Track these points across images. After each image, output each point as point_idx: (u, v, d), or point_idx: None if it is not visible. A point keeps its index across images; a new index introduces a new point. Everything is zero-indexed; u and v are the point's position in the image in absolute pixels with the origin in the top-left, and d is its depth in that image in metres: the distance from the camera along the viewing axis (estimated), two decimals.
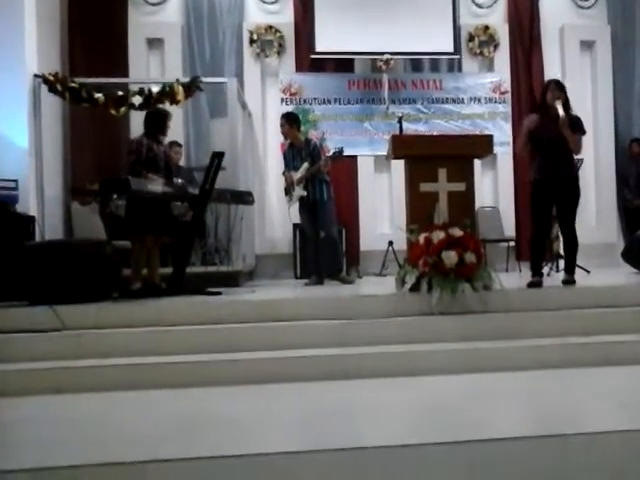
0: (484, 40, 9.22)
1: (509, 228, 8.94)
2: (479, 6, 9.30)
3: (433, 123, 9.06)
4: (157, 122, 5.93)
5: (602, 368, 4.11)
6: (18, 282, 5.10)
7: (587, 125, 9.06)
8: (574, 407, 3.42)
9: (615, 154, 9.30)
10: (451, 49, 9.02)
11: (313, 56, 8.86)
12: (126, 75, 8.15)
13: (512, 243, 8.77)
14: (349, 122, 8.97)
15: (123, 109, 7.02)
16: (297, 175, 6.77)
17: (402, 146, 5.63)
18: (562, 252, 5.90)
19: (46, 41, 7.35)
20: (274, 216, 8.87)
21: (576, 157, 7.53)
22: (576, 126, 5.43)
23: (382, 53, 8.81)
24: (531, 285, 5.26)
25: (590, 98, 9.42)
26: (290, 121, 6.90)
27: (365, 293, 5.63)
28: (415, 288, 4.86)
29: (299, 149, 6.88)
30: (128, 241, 5.90)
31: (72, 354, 4.27)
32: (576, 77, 9.28)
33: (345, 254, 8.12)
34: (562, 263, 5.80)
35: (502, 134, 8.95)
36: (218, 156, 5.86)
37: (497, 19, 9.37)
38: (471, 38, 9.21)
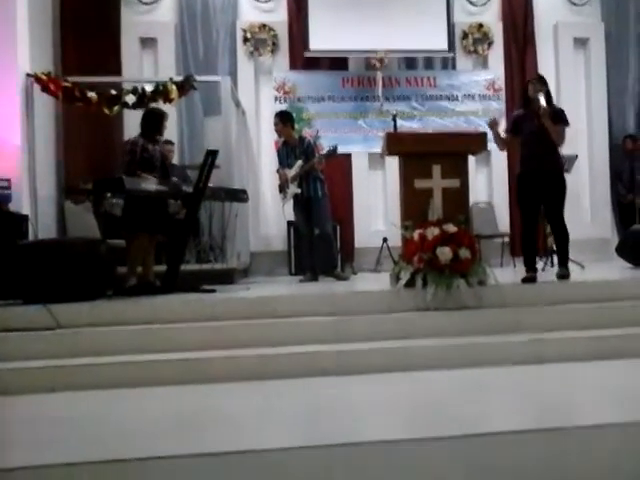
0: (478, 38, 9.23)
1: (503, 224, 8.96)
2: (473, 4, 9.32)
3: (427, 120, 9.07)
4: (153, 122, 5.93)
5: (597, 362, 4.11)
6: (12, 281, 5.08)
7: (581, 121, 9.26)
8: (569, 401, 3.43)
9: (609, 150, 9.33)
10: (445, 47, 9.02)
11: (307, 54, 8.85)
12: (119, 74, 8.14)
13: (506, 238, 8.79)
14: (343, 120, 8.97)
15: (116, 108, 6.99)
16: (291, 173, 6.77)
17: (396, 143, 5.62)
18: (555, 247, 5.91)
19: (39, 40, 7.31)
20: (268, 213, 8.87)
21: (571, 153, 7.67)
22: (558, 117, 5.43)
23: (376, 51, 8.81)
24: (525, 280, 5.27)
25: (584, 95, 9.46)
26: (284, 119, 6.90)
27: (360, 289, 5.63)
28: (410, 284, 4.86)
29: (293, 147, 6.88)
30: (123, 240, 5.89)
31: (67, 352, 4.25)
32: (570, 74, 9.32)
33: (340, 251, 8.12)
34: (556, 258, 5.81)
35: None
36: (212, 154, 5.85)
37: (491, 17, 9.38)
38: (465, 36, 9.22)
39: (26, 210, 6.60)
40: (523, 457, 2.65)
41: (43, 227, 6.80)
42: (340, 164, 8.58)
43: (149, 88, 6.99)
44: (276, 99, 8.87)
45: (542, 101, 5.37)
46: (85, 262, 5.17)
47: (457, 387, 3.72)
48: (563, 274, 5.37)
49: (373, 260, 8.35)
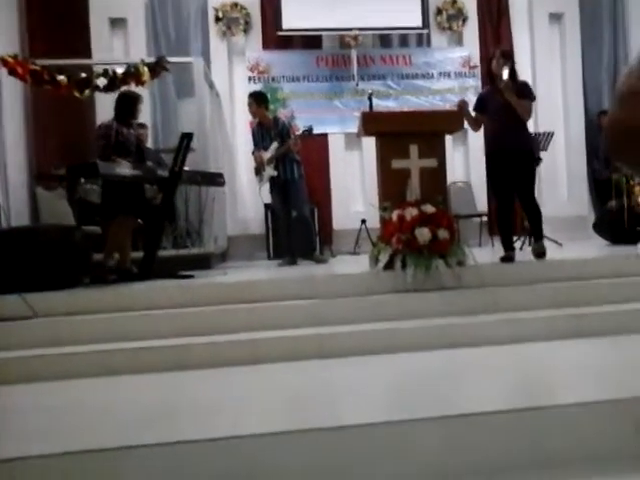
0: (452, 14, 9.18)
1: (481, 203, 8.97)
2: None
3: (403, 99, 9.03)
4: (127, 106, 5.84)
5: (576, 340, 4.13)
6: None
7: (556, 98, 9.25)
8: (551, 380, 3.44)
9: (585, 126, 9.35)
10: (419, 23, 8.95)
11: (280, 33, 8.74)
12: (89, 56, 7.99)
13: (484, 218, 8.80)
14: (318, 100, 8.90)
15: (87, 91, 6.85)
16: (267, 155, 6.70)
17: (372, 123, 5.58)
18: None
19: (4, 22, 7.15)
20: (245, 196, 8.80)
21: (547, 130, 7.67)
22: (522, 92, 5.31)
23: (350, 29, 8.72)
24: (503, 260, 5.27)
25: (560, 71, 9.46)
26: (258, 100, 6.82)
27: (339, 272, 5.61)
28: (389, 266, 4.85)
29: (268, 128, 6.81)
30: (98, 226, 5.81)
31: (45, 341, 4.19)
32: (545, 50, 9.32)
33: (318, 233, 8.10)
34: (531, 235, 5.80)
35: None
36: (187, 137, 5.78)
37: None
38: (439, 12, 9.17)
39: None
40: (507, 437, 2.66)
41: (15, 215, 6.69)
42: (316, 145, 8.54)
43: (120, 70, 6.86)
44: (250, 79, 8.77)
45: (505, 75, 5.23)
46: (60, 249, 5.10)
47: (438, 368, 3.72)
48: (539, 250, 5.36)
49: (352, 242, 8.32)
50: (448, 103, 8.92)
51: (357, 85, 8.83)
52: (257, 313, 4.48)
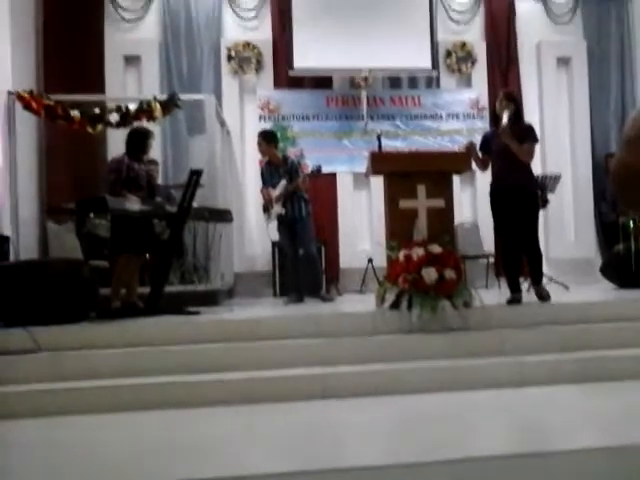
0: (462, 56, 9.28)
1: (488, 244, 8.93)
2: (456, 22, 9.37)
3: (412, 139, 9.09)
4: (138, 141, 5.91)
5: (582, 384, 4.11)
6: None
7: (564, 140, 9.30)
8: (554, 424, 3.41)
9: (592, 169, 9.37)
10: (429, 65, 9.04)
11: (291, 73, 8.85)
12: (103, 92, 8.10)
13: (491, 259, 8.77)
14: (328, 139, 8.96)
15: (100, 127, 6.93)
16: (275, 192, 6.74)
17: (381, 163, 5.64)
18: None
19: (21, 58, 7.27)
20: (253, 234, 8.82)
21: (554, 173, 7.70)
22: (525, 135, 5.34)
23: (360, 69, 8.83)
24: (510, 302, 5.26)
25: (567, 114, 9.52)
26: (267, 139, 6.88)
27: (345, 311, 5.62)
28: (395, 305, 4.85)
29: (277, 166, 6.86)
30: (105, 261, 5.83)
31: (49, 376, 4.20)
32: (553, 93, 9.39)
33: (325, 271, 8.08)
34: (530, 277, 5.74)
35: None
36: (196, 174, 5.83)
37: (474, 35, 9.44)
38: (449, 54, 9.27)
39: (7, 231, 6.52)
40: None
41: (25, 248, 6.72)
42: (325, 184, 8.58)
43: (133, 107, 6.94)
44: (260, 118, 8.86)
45: (504, 119, 5.28)
46: (67, 284, 5.11)
47: (443, 410, 3.70)
48: (542, 293, 5.35)
49: (358, 281, 8.30)
50: (456, 144, 8.97)
51: (366, 125, 8.89)
52: (263, 350, 4.48)
